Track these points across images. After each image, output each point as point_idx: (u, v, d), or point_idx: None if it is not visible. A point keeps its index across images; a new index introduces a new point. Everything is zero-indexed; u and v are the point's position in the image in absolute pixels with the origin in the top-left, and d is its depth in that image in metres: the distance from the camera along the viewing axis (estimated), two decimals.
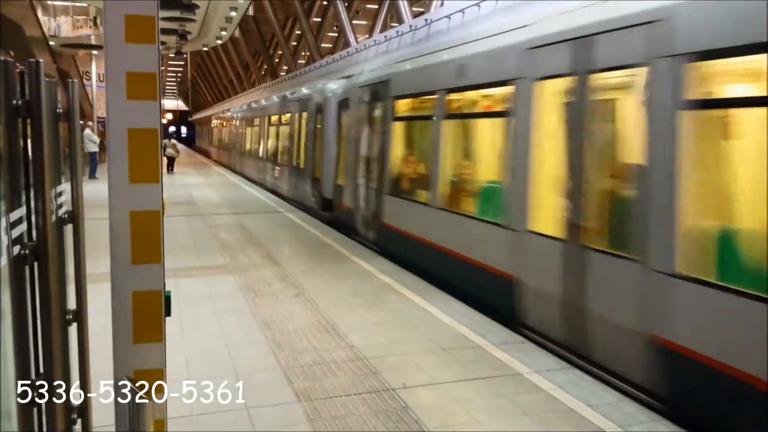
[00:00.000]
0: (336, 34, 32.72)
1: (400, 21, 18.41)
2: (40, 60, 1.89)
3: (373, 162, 9.88)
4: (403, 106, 9.23)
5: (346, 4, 25.84)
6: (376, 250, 9.45)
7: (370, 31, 24.47)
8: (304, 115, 14.92)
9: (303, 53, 34.50)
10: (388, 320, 5.94)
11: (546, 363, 4.90)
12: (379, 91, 9.76)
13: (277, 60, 39.59)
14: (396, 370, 4.70)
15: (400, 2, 18.58)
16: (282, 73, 34.68)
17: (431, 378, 4.56)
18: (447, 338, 5.44)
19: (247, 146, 25.00)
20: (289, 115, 16.86)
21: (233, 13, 27.84)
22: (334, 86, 12.90)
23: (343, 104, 11.81)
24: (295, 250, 9.47)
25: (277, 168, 18.32)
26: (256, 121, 22.91)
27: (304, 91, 15.72)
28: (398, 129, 9.34)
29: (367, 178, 10.13)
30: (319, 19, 30.49)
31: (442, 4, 14.82)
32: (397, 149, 9.26)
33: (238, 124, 28.56)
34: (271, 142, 19.78)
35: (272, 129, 19.78)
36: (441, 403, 4.16)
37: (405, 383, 4.46)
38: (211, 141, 42.69)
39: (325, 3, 28.75)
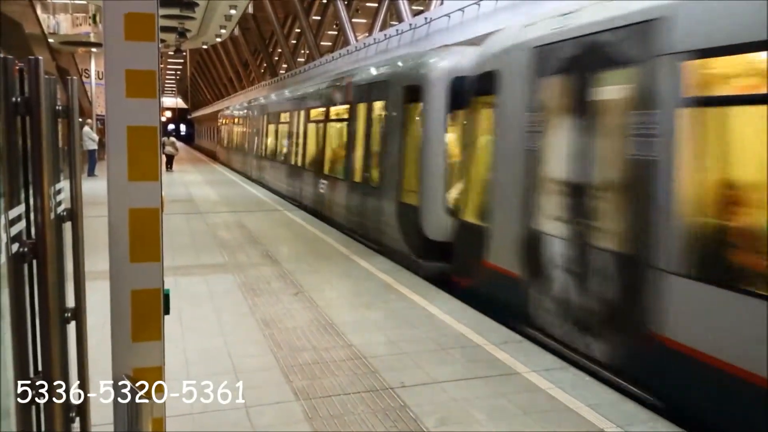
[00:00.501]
0: (336, 33, 32.72)
1: (400, 19, 18.40)
2: (40, 57, 1.88)
3: (605, 194, 4.92)
4: (740, 68, 4.04)
5: (346, 3, 25.83)
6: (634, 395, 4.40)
7: (370, 30, 24.46)
8: (378, 105, 10.11)
9: (302, 51, 34.49)
10: (387, 319, 5.94)
11: (545, 362, 4.89)
12: (618, 48, 4.78)
13: (276, 58, 39.59)
14: (395, 369, 4.69)
15: (400, 1, 18.57)
16: (281, 71, 34.66)
17: (430, 377, 4.56)
18: (446, 337, 5.44)
19: (271, 149, 19.38)
20: (347, 107, 11.78)
21: (233, 12, 27.83)
22: (446, 59, 8.42)
23: (472, 85, 7.12)
24: (295, 249, 9.47)
25: (324, 182, 12.91)
26: (285, 117, 17.41)
27: (379, 70, 10.71)
28: (714, 125, 4.14)
29: (582, 226, 5.10)
30: (319, 18, 30.48)
31: (441, 3, 14.80)
32: (714, 169, 4.17)
33: (257, 121, 22.28)
34: (311, 145, 14.50)
35: (312, 127, 14.45)
36: (440, 403, 4.16)
37: (404, 382, 4.45)
38: (220, 141, 34.43)
39: (324, 1, 28.73)
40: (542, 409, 4.08)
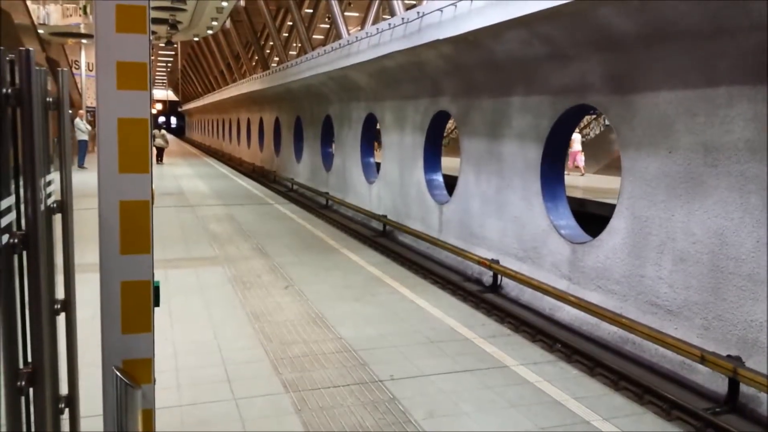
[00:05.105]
0: (327, 26, 32.58)
1: (392, 14, 18.36)
2: (31, 48, 1.88)
3: None
4: None
5: None
6: None
7: (362, 23, 24.38)
8: None
9: (294, 44, 34.34)
10: (376, 312, 5.97)
11: (533, 356, 4.94)
12: None
13: (268, 51, 39.40)
14: (384, 362, 4.72)
15: None
16: (273, 65, 34.50)
17: (419, 370, 4.59)
18: (435, 330, 5.47)
19: None
20: None
21: (224, 4, 27.66)
22: None
23: None
24: (285, 242, 9.46)
25: None
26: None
27: None
28: None
29: None
30: (311, 11, 30.33)
31: None
32: None
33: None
34: None
35: None
36: (428, 395, 4.19)
37: (393, 375, 4.48)
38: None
39: None
40: (530, 401, 4.13)
